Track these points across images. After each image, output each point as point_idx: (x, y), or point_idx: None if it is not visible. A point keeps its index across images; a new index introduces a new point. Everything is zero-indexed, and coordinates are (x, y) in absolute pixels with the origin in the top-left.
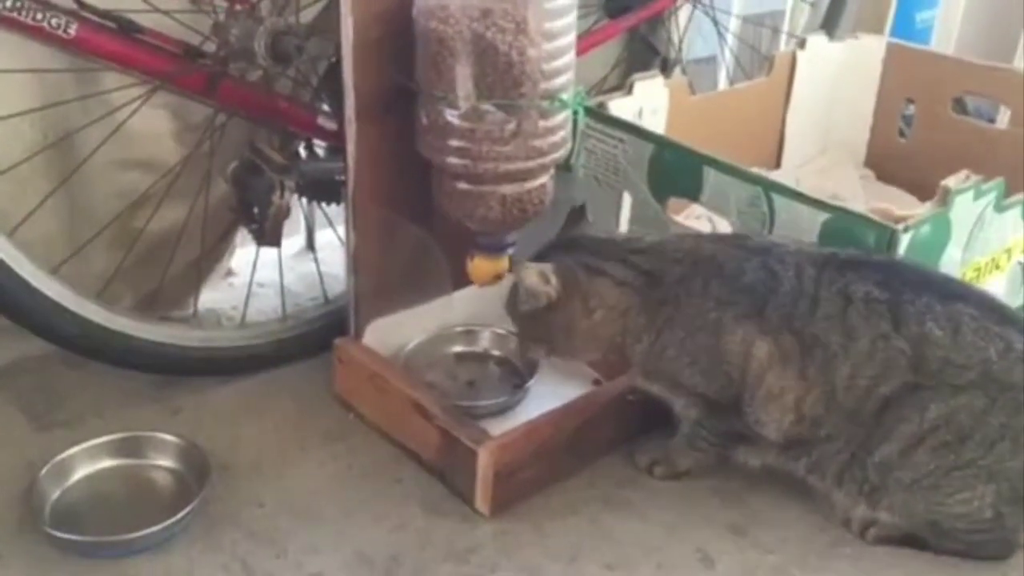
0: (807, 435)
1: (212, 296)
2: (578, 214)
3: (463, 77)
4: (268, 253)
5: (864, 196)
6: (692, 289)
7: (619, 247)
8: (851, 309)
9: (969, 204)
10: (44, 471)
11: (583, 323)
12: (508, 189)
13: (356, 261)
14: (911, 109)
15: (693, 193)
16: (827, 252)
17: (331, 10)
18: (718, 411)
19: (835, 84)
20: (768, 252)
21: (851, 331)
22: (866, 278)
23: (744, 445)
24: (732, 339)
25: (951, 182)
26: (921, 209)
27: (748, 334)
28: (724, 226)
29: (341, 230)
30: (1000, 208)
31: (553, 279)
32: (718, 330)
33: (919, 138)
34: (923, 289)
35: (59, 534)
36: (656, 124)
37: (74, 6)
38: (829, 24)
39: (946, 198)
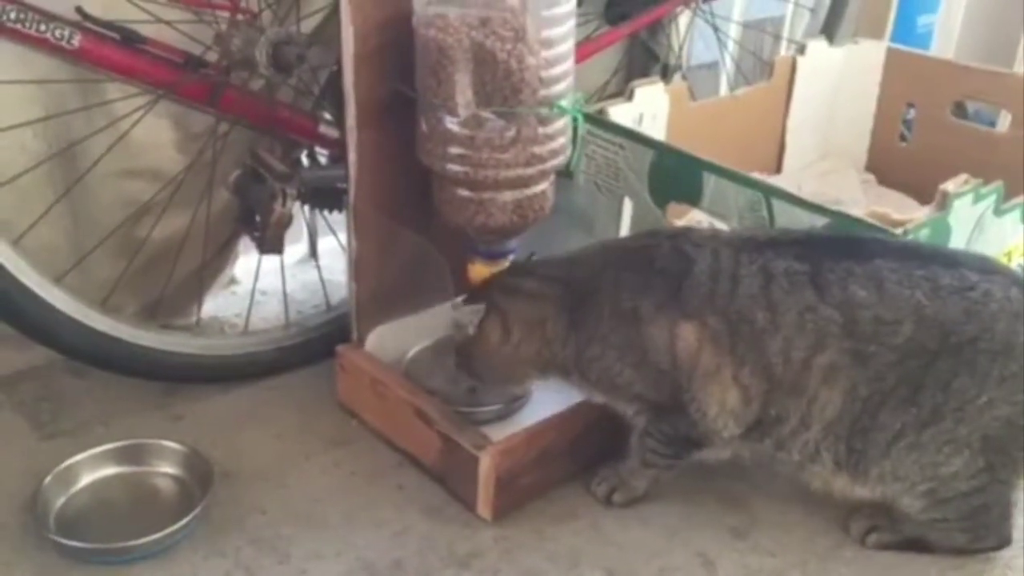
0: (760, 416)
1: (215, 304)
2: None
3: (462, 85)
4: (271, 261)
5: (865, 200)
6: (605, 284)
7: (535, 264)
8: (773, 285)
9: (968, 208)
10: (49, 478)
11: (505, 347)
12: (508, 196)
13: (358, 268)
14: (912, 113)
15: (693, 198)
16: (745, 234)
17: (332, 20)
18: (664, 414)
19: (836, 89)
20: (680, 236)
21: (776, 306)
22: (785, 254)
23: (697, 451)
24: (654, 329)
25: (950, 186)
26: (921, 213)
27: (670, 320)
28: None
29: (343, 237)
30: (999, 212)
31: (477, 311)
32: (637, 321)
33: (920, 142)
34: (841, 254)
35: (64, 541)
36: (657, 130)
37: (77, 18)
38: (829, 29)
39: (945, 202)
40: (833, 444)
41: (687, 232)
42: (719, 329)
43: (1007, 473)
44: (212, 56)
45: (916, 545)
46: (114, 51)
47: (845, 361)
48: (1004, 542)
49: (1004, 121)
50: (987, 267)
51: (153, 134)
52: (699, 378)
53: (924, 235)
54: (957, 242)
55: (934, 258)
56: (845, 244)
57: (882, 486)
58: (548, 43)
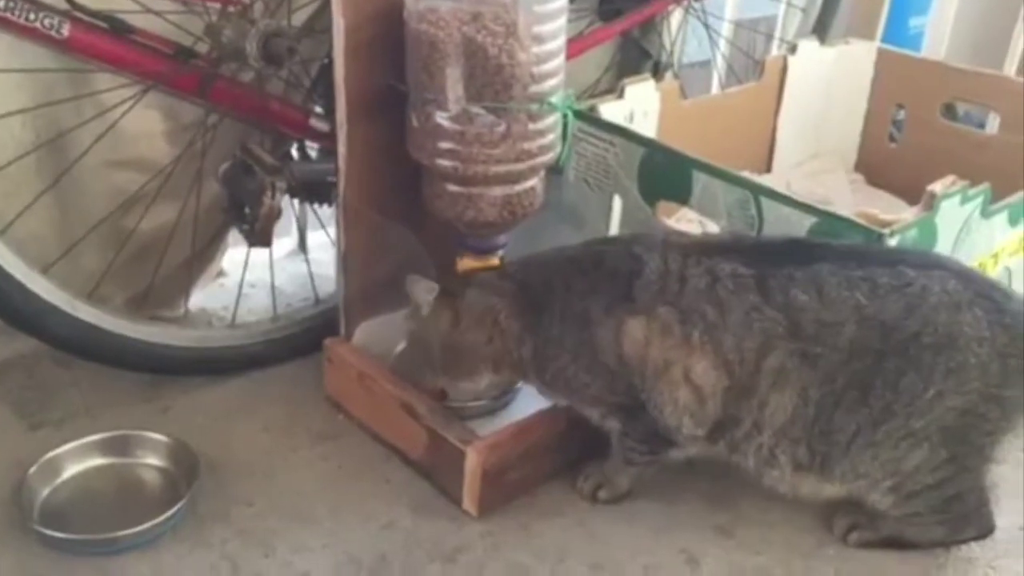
0: (720, 416)
1: (203, 296)
2: None
3: (453, 80)
4: (259, 253)
5: (854, 200)
6: (558, 286)
7: (500, 264)
8: (719, 285)
9: (955, 209)
10: (34, 469)
11: (454, 333)
12: (498, 191)
13: (346, 262)
14: (901, 114)
15: (683, 196)
16: (696, 240)
17: (323, 12)
18: (632, 414)
19: (826, 89)
20: (632, 241)
21: (722, 304)
22: (731, 259)
23: (672, 448)
24: (601, 329)
25: (937, 187)
26: (908, 213)
27: (617, 319)
28: (714, 229)
29: (332, 231)
30: (987, 213)
31: (432, 289)
32: (587, 322)
33: (909, 143)
34: (784, 260)
35: (48, 532)
36: (648, 128)
37: (67, 7)
38: (820, 29)
39: (932, 203)
40: (790, 447)
41: (639, 237)
42: (669, 320)
43: (973, 461)
44: (202, 47)
45: (898, 543)
46: (103, 41)
47: (794, 363)
48: (985, 531)
49: (993, 123)
50: (927, 262)
51: (142, 125)
52: (650, 376)
53: (911, 236)
54: (944, 243)
55: (874, 258)
56: (789, 250)
57: (847, 483)
58: (539, 39)
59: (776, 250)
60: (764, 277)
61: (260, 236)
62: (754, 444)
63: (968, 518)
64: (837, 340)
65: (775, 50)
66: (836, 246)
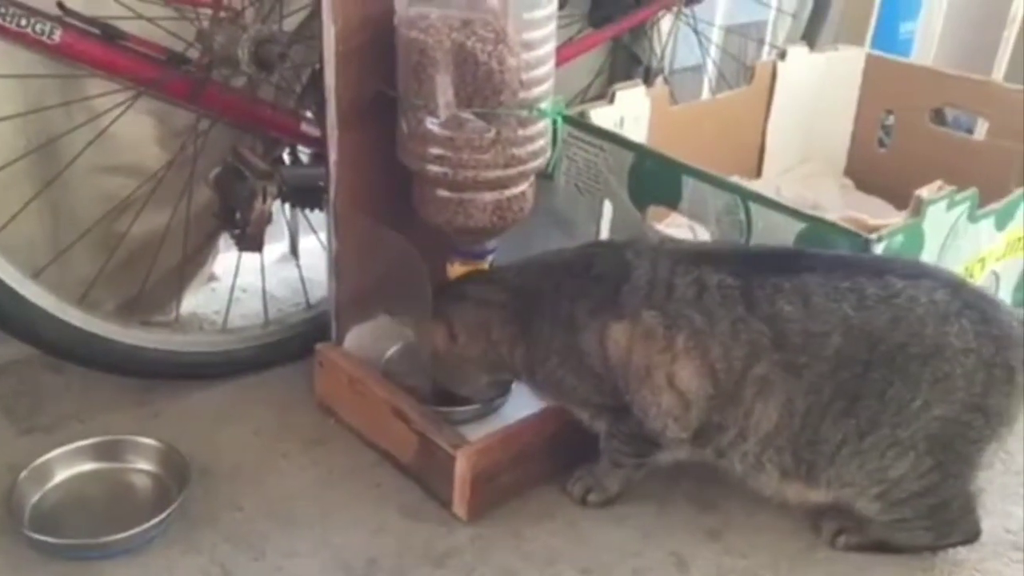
0: (704, 423)
1: (194, 301)
2: None
3: (443, 86)
4: (251, 258)
5: (843, 205)
6: (548, 290)
7: (490, 271)
8: (706, 295)
9: (942, 214)
10: (24, 474)
11: (453, 350)
12: (488, 197)
13: (338, 267)
14: (891, 120)
15: (672, 201)
16: (686, 247)
17: (314, 18)
18: (618, 416)
19: (816, 94)
20: (625, 247)
21: (710, 313)
22: (720, 269)
23: (659, 450)
24: (586, 334)
25: (924, 192)
26: (896, 218)
27: (602, 323)
28: (704, 234)
29: (324, 236)
30: (974, 218)
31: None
32: (573, 327)
33: (898, 148)
34: (771, 271)
35: (39, 537)
36: (638, 133)
37: (58, 12)
38: (810, 35)
39: (919, 208)
40: (776, 456)
41: (632, 242)
42: (653, 325)
43: (958, 467)
44: (194, 53)
45: (885, 547)
46: (95, 47)
47: (778, 374)
48: (971, 536)
49: (982, 128)
50: (914, 272)
51: (134, 130)
52: (633, 380)
53: (898, 241)
54: (931, 248)
55: (861, 268)
56: (777, 260)
57: (834, 491)
58: (529, 45)
59: (765, 260)
60: (751, 288)
61: (251, 241)
62: (739, 451)
63: (954, 524)
64: (823, 350)
65: (765, 55)
66: (824, 256)
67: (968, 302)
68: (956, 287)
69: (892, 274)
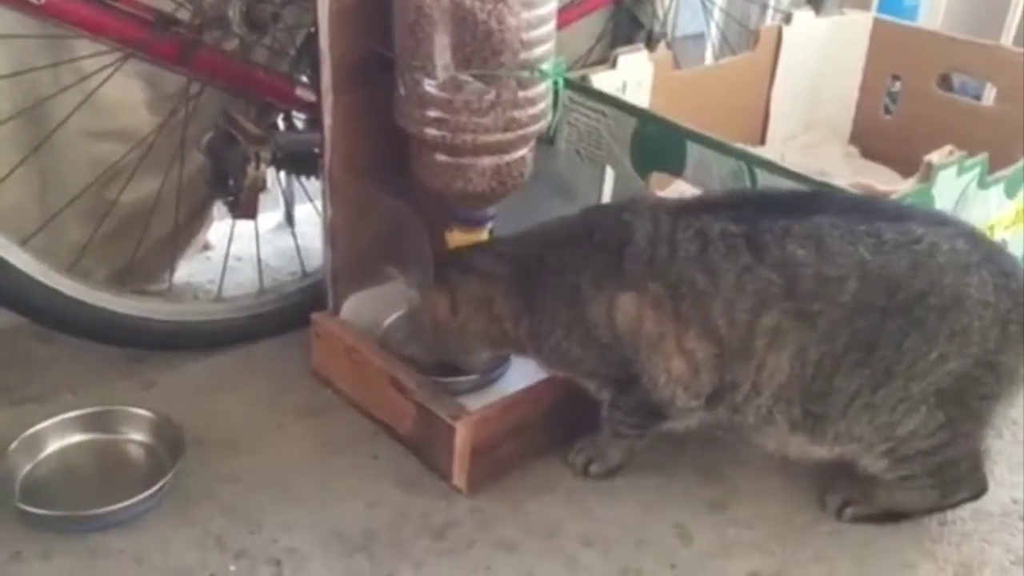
0: (717, 386)
1: (188, 269)
2: None
3: (441, 46)
4: (245, 226)
5: (849, 172)
6: (550, 261)
7: (492, 241)
8: (710, 248)
9: (952, 180)
10: (15, 445)
11: (453, 322)
12: (487, 161)
13: (333, 234)
14: (897, 86)
15: (676, 168)
16: (686, 198)
17: None
18: (625, 386)
19: (821, 60)
20: (623, 208)
21: (714, 269)
22: (721, 216)
23: (662, 420)
24: (593, 307)
25: (934, 157)
26: (904, 185)
27: (609, 294)
28: None
29: (320, 204)
30: (984, 184)
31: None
32: (579, 298)
33: (904, 115)
34: (779, 214)
35: (30, 509)
36: (640, 98)
37: None
38: None
39: (929, 173)
40: (786, 408)
41: (630, 202)
42: (660, 294)
43: (969, 425)
44: (184, 14)
45: (892, 516)
46: (81, 6)
47: (789, 323)
48: (978, 492)
49: (990, 94)
50: (936, 219)
51: (123, 94)
52: (644, 349)
53: None
54: None
55: (880, 212)
56: (785, 202)
57: (840, 446)
58: (529, 4)
59: (771, 203)
60: (757, 233)
61: (245, 208)
62: (754, 405)
63: (961, 481)
64: (838, 296)
65: (770, 20)
66: (838, 197)
67: (987, 254)
68: (976, 239)
69: (912, 220)
